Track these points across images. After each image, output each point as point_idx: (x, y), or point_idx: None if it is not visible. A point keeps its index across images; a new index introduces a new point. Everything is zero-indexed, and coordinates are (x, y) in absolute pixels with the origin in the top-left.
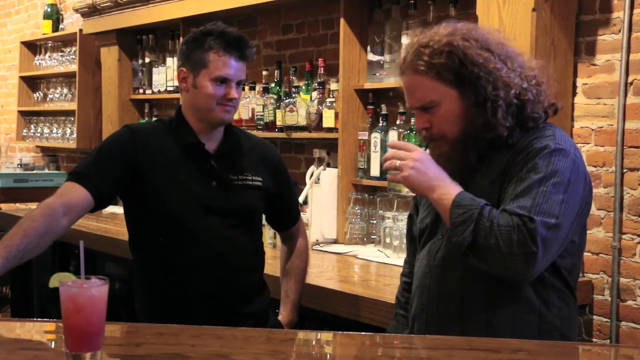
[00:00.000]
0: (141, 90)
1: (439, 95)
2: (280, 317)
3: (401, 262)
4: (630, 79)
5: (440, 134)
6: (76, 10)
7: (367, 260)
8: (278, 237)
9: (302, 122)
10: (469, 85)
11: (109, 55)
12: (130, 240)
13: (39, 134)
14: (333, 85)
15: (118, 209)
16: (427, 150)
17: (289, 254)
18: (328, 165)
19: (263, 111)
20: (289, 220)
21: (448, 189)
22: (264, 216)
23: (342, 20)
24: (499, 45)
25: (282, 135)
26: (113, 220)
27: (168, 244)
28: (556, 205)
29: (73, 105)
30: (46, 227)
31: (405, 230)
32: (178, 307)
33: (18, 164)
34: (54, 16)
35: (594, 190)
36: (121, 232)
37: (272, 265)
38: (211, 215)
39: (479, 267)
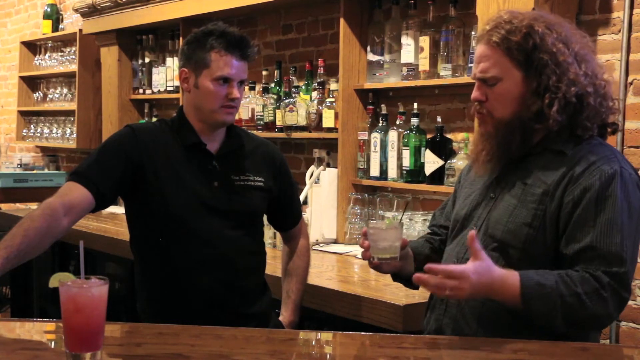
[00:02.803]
0: (141, 90)
1: (504, 72)
2: (281, 318)
3: None
4: (630, 79)
5: (489, 110)
6: (76, 10)
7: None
8: (278, 237)
9: (302, 122)
10: (535, 71)
11: (109, 55)
12: (132, 240)
13: (38, 134)
14: (333, 85)
15: (118, 209)
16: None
17: (290, 255)
18: (328, 165)
19: (263, 111)
20: (290, 221)
21: (502, 290)
22: (265, 217)
23: (342, 20)
24: (580, 46)
25: (282, 135)
26: (113, 220)
27: (169, 244)
28: (636, 241)
29: (73, 105)
30: (47, 227)
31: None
32: (179, 308)
33: (18, 164)
34: (54, 16)
35: None
36: (121, 232)
37: (272, 265)
38: (213, 215)
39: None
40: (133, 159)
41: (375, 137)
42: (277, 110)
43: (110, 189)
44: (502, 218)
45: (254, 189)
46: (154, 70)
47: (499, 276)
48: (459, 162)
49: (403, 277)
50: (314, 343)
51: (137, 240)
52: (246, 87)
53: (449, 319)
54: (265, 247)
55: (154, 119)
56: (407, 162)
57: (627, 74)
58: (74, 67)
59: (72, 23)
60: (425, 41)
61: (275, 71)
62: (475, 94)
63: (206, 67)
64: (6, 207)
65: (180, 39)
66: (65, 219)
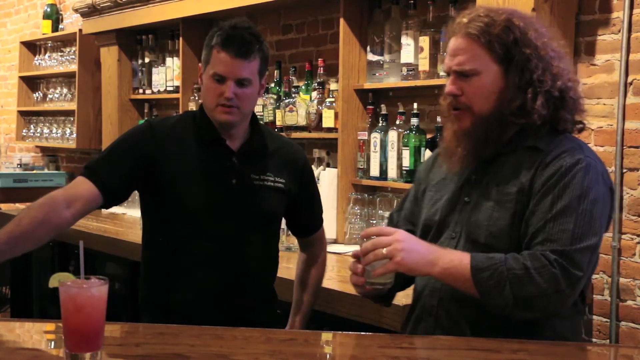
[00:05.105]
0: (141, 90)
1: (482, 65)
2: (288, 327)
3: None
4: (629, 79)
5: (467, 105)
6: (76, 10)
7: None
8: (286, 240)
9: (302, 122)
10: (516, 66)
11: (109, 55)
12: (144, 236)
13: (38, 134)
14: (333, 85)
15: (118, 209)
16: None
17: (306, 264)
18: (328, 165)
19: (263, 111)
20: (310, 227)
21: (450, 257)
22: (283, 221)
23: (341, 20)
24: (556, 43)
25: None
26: (113, 220)
27: (179, 239)
28: (595, 224)
29: (73, 105)
30: (43, 217)
31: None
32: (183, 308)
33: (18, 164)
34: (54, 16)
35: None
36: (121, 232)
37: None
38: (228, 214)
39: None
40: (144, 154)
41: (375, 137)
42: (277, 110)
43: (119, 184)
44: (481, 222)
45: (273, 190)
46: (154, 70)
47: (433, 245)
48: None
49: (378, 296)
50: (313, 343)
51: (149, 235)
52: None
53: (441, 331)
54: (279, 253)
55: (183, 112)
56: (407, 162)
57: (627, 74)
58: (73, 67)
59: (72, 23)
60: (425, 41)
61: (275, 71)
62: (450, 87)
63: (208, 63)
64: (6, 207)
65: (180, 39)
66: (67, 210)
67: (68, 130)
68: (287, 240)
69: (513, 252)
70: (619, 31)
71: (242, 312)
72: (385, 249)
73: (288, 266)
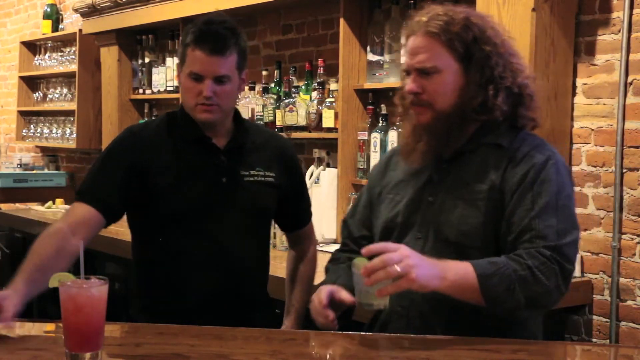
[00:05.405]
0: (141, 90)
1: (443, 63)
2: (283, 328)
3: None
4: (629, 79)
5: (428, 102)
6: (76, 10)
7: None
8: (277, 237)
9: (302, 122)
10: (476, 63)
11: (109, 55)
12: (134, 248)
13: (38, 134)
14: (333, 85)
15: None
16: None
17: (297, 260)
18: (328, 165)
19: (263, 111)
20: (300, 221)
21: (454, 269)
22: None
23: (341, 20)
24: (510, 42)
25: (282, 135)
26: None
27: (172, 243)
28: (573, 217)
29: (73, 105)
30: (57, 248)
31: None
32: (178, 310)
33: (18, 164)
34: (54, 16)
35: (594, 190)
36: (121, 232)
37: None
38: (219, 213)
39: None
40: (135, 162)
41: (375, 137)
42: (277, 110)
43: (118, 199)
44: (451, 221)
45: (264, 184)
46: (154, 70)
47: (445, 261)
48: None
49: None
50: (314, 343)
51: (140, 242)
52: (246, 87)
53: (415, 331)
54: (269, 251)
55: (160, 114)
56: None
57: (627, 74)
58: (73, 67)
59: (72, 23)
60: None
61: (275, 71)
62: (411, 85)
63: (184, 62)
64: (6, 207)
65: (180, 39)
66: (74, 238)
67: (68, 130)
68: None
69: (507, 255)
70: (619, 31)
71: (241, 313)
72: (397, 266)
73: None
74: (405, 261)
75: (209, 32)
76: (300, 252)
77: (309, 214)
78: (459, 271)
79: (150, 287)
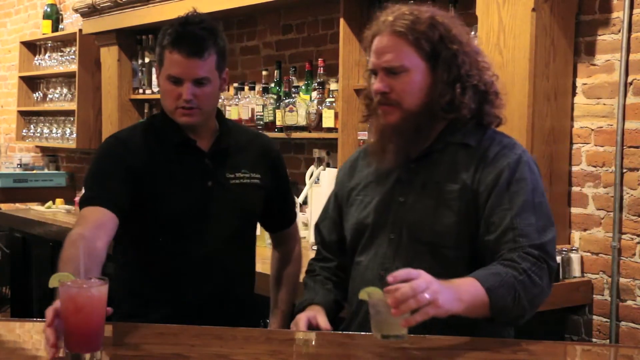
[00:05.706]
0: (141, 90)
1: (410, 62)
2: (269, 328)
3: None
4: (629, 79)
5: (397, 101)
6: (76, 10)
7: None
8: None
9: (302, 122)
10: (443, 62)
11: (109, 55)
12: (118, 256)
13: (38, 134)
14: (333, 85)
15: None
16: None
17: (281, 261)
18: (328, 165)
19: (263, 111)
20: (284, 221)
21: (465, 288)
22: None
23: (341, 20)
24: (475, 40)
25: (282, 135)
26: None
27: (162, 250)
28: (549, 213)
29: (73, 105)
30: (85, 250)
31: None
32: (165, 315)
33: (18, 164)
34: (54, 16)
35: (594, 190)
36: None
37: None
38: (206, 217)
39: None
40: (128, 166)
41: None
42: (277, 110)
43: (126, 198)
44: (424, 221)
45: (250, 186)
46: (154, 70)
47: (451, 281)
48: None
49: None
50: (313, 343)
51: (125, 250)
52: (246, 87)
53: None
54: (255, 254)
55: (140, 121)
56: None
57: (627, 74)
58: (73, 67)
59: (72, 23)
60: None
61: (275, 71)
62: (378, 85)
63: (162, 64)
64: (6, 207)
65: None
66: (98, 242)
67: (68, 130)
68: None
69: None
70: (619, 31)
71: (230, 316)
72: (425, 293)
73: None
74: (431, 287)
75: (186, 34)
76: (285, 253)
77: (294, 213)
78: (470, 290)
79: (135, 294)
